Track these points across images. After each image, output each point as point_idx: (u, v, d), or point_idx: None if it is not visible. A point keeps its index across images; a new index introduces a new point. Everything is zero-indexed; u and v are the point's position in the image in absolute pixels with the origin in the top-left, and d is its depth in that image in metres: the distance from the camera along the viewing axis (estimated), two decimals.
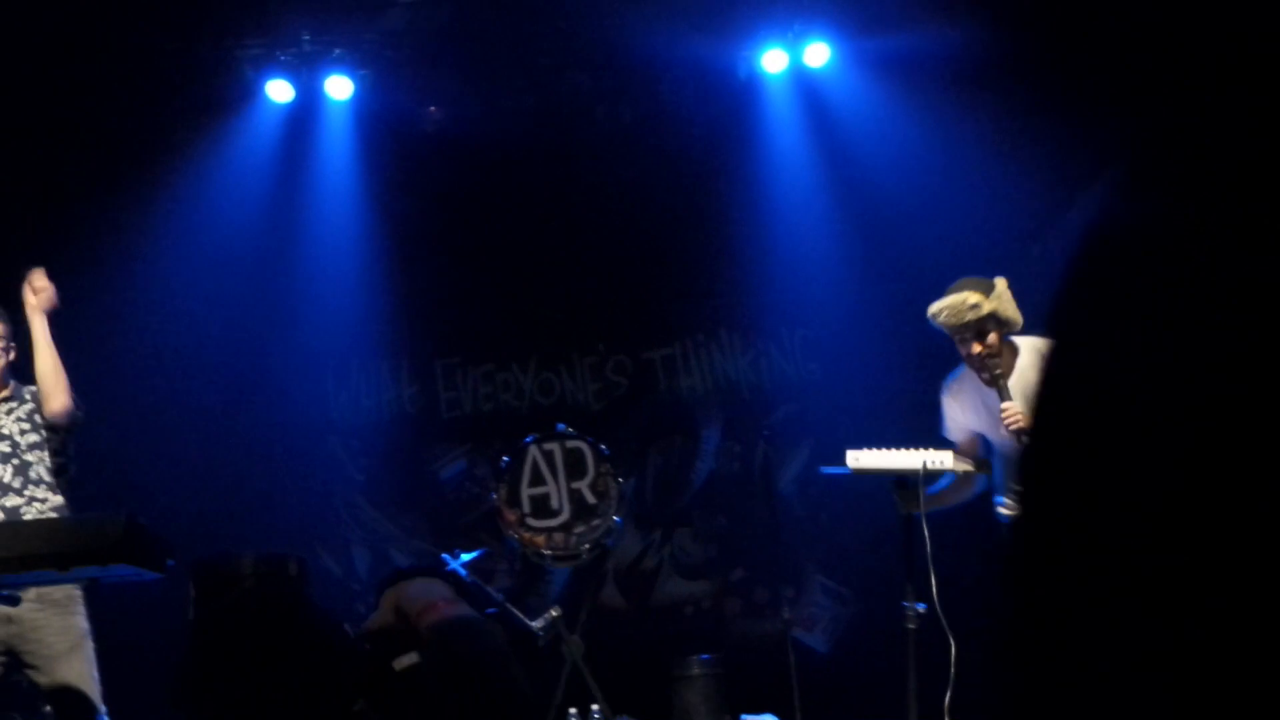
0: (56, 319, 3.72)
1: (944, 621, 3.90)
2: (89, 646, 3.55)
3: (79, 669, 3.48)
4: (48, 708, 3.53)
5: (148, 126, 5.88)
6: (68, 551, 2.99)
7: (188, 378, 5.95)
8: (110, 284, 5.79)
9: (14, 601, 3.24)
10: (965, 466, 4.08)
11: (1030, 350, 4.00)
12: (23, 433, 3.63)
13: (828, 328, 6.35)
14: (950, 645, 3.90)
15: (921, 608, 3.99)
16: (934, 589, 3.95)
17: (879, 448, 4.04)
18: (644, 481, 6.15)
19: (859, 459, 4.04)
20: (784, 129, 6.51)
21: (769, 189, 6.46)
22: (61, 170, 5.79)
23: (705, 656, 5.48)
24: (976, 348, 3.96)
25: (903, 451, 4.02)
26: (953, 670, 3.91)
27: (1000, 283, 4.05)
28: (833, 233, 6.31)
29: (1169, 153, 0.50)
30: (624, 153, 6.36)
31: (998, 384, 3.92)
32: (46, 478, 3.62)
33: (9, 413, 3.64)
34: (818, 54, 6.27)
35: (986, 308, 3.94)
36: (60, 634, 3.49)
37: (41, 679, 3.47)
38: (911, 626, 3.98)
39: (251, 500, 5.87)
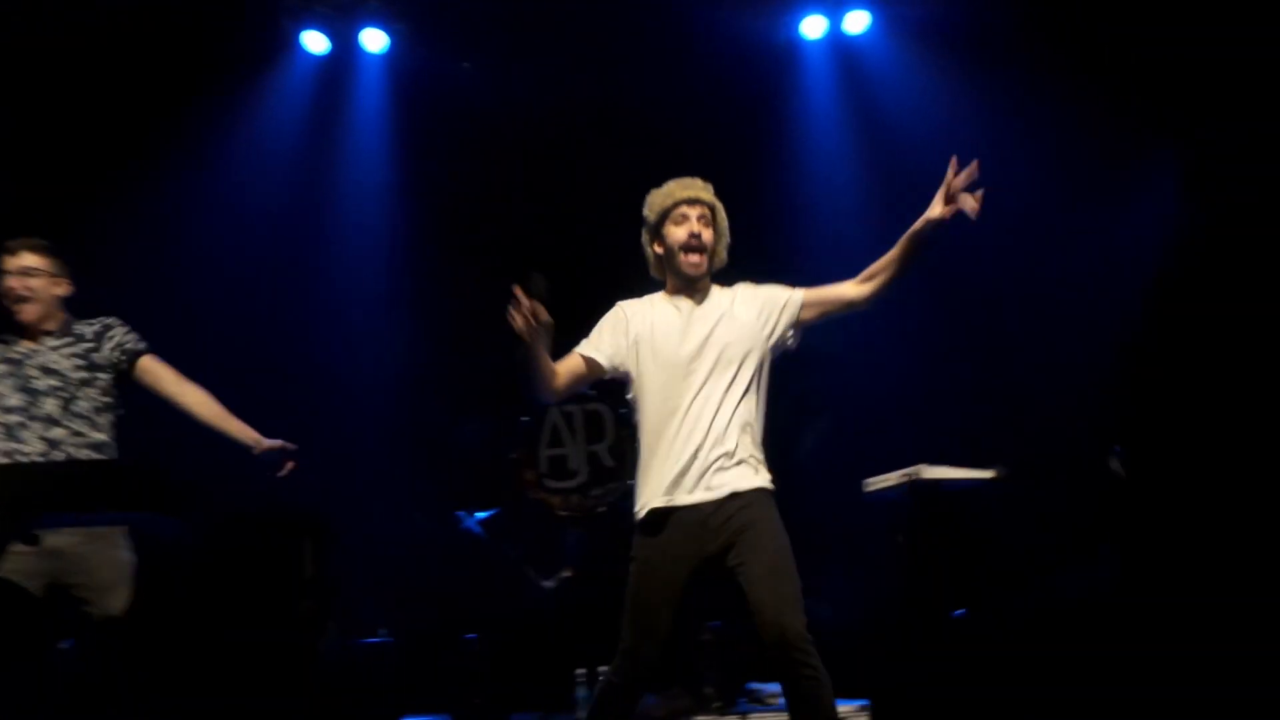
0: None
1: None
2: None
3: (127, 601, 3.56)
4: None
5: (184, 75, 5.89)
6: (87, 495, 3.04)
7: (210, 332, 5.98)
8: (141, 234, 5.83)
9: (33, 540, 3.30)
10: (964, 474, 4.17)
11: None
12: (75, 369, 3.75)
13: None
14: None
15: None
16: None
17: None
18: None
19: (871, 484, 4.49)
20: (821, 96, 6.43)
21: (804, 156, 6.39)
22: (95, 121, 5.81)
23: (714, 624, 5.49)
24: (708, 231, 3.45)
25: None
26: None
27: None
28: (867, 201, 6.23)
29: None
30: (658, 116, 6.29)
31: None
32: (88, 414, 3.73)
33: (57, 349, 3.77)
34: (857, 20, 6.19)
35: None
36: (106, 566, 3.57)
37: (93, 611, 3.54)
38: None
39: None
